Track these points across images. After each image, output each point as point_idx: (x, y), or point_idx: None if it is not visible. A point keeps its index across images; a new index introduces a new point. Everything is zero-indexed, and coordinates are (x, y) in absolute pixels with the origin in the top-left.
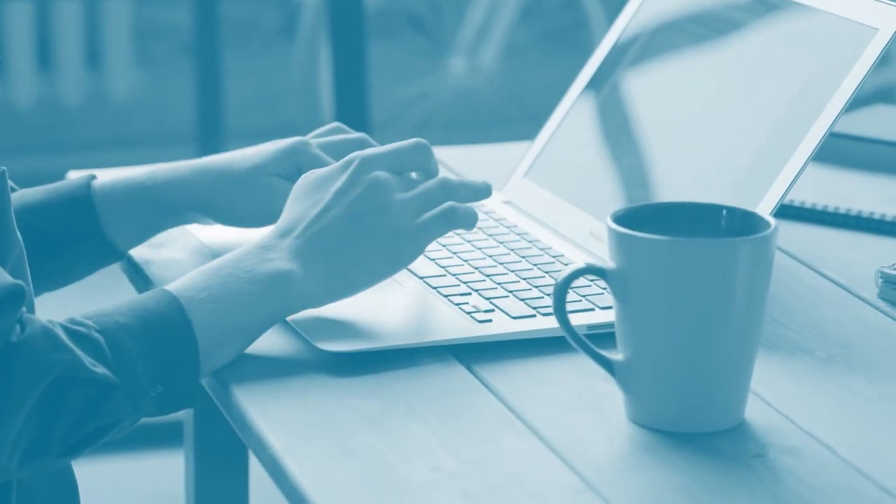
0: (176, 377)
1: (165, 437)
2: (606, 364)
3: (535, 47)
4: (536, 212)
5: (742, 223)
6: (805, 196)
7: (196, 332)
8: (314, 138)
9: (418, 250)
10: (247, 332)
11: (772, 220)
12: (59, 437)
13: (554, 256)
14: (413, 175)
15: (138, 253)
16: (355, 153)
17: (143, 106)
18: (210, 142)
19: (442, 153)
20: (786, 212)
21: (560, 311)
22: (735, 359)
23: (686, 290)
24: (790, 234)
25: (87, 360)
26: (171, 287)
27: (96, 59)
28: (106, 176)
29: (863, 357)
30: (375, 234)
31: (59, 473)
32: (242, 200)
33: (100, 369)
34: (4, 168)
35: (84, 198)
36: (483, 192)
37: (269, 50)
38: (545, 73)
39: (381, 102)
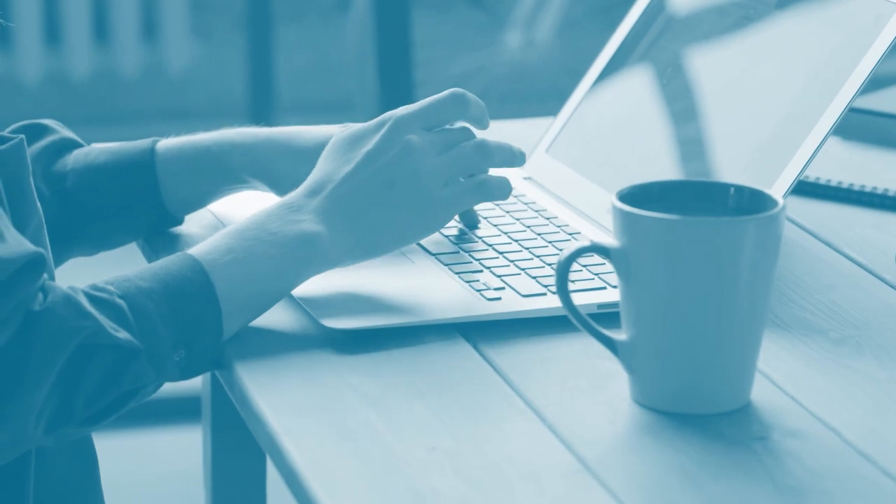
0: (199, 341)
1: (182, 413)
2: (610, 344)
3: (591, 21)
4: (556, 188)
5: (750, 202)
6: (833, 174)
7: (219, 295)
8: None
9: (446, 219)
10: (271, 295)
11: (780, 199)
12: (82, 404)
13: (570, 234)
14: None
15: None
16: (389, 112)
17: (199, 78)
18: (261, 114)
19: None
20: (810, 189)
21: (562, 289)
22: (740, 340)
23: (690, 271)
24: (814, 212)
25: (110, 326)
26: (194, 250)
27: (153, 31)
28: (171, 140)
29: (876, 339)
30: (404, 200)
31: (79, 444)
32: (304, 174)
33: (123, 334)
34: (23, 136)
35: (146, 163)
36: (519, 158)
37: (326, 22)
38: (601, 48)
39: (437, 76)
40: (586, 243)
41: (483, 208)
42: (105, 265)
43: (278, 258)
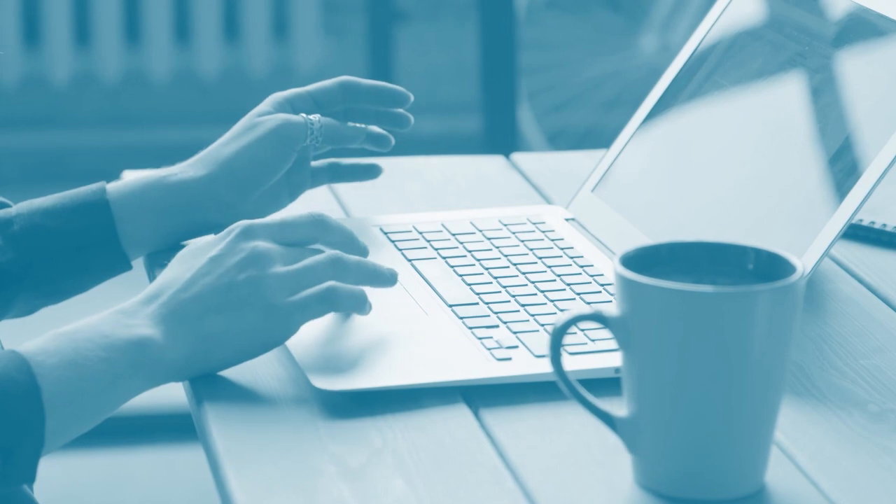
0: (16, 450)
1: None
2: (608, 420)
3: None
4: (599, 232)
5: (768, 266)
6: None
7: (45, 399)
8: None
9: (289, 330)
10: (101, 404)
11: (798, 265)
12: None
13: (602, 285)
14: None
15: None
16: (240, 222)
17: (328, 78)
18: None
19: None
20: (875, 237)
21: (555, 359)
22: (751, 420)
23: (695, 344)
24: (872, 262)
25: None
26: (24, 348)
27: (283, 30)
28: (119, 182)
29: None
30: (244, 307)
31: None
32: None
33: None
34: None
35: (100, 203)
36: (385, 278)
37: (462, 22)
38: None
39: (570, 80)
40: (586, 311)
41: (516, 253)
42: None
43: (110, 362)
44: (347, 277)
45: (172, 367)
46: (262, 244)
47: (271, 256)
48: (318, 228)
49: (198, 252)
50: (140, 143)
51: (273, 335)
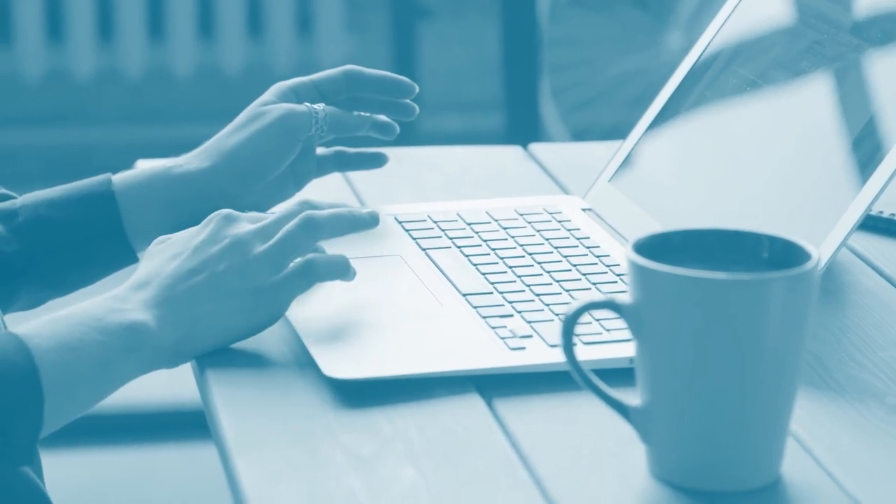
0: (14, 431)
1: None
2: (622, 409)
3: None
4: (615, 222)
5: (783, 254)
6: None
7: (43, 381)
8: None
9: (279, 311)
10: (96, 387)
11: (814, 252)
12: None
13: (618, 275)
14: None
15: None
16: (217, 212)
17: None
18: None
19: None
20: (893, 228)
21: (567, 347)
22: (766, 410)
23: (709, 333)
24: (892, 254)
25: None
26: (21, 331)
27: (307, 26)
28: (123, 173)
29: None
30: (233, 292)
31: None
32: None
33: None
34: None
35: (106, 193)
36: (364, 222)
37: (484, 19)
38: None
39: (596, 77)
40: (598, 298)
41: (531, 243)
42: None
43: (105, 345)
44: (322, 234)
45: (164, 352)
46: (240, 229)
47: (249, 239)
48: (304, 206)
49: (179, 242)
50: (163, 139)
51: (262, 317)
